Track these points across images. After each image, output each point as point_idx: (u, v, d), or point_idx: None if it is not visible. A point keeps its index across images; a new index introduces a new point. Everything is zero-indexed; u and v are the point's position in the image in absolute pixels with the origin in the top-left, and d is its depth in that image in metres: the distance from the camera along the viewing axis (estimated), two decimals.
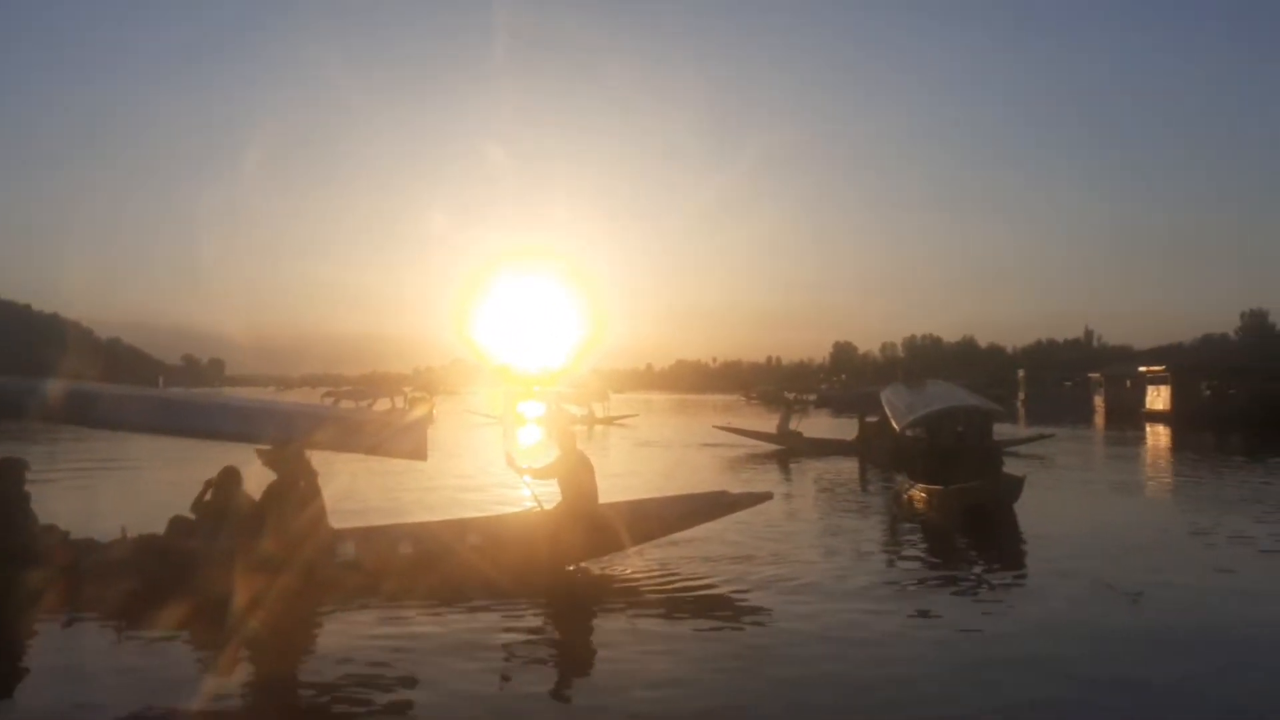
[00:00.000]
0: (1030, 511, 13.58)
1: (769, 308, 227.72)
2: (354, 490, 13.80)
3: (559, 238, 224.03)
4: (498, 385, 74.53)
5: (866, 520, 13.89)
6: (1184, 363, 53.22)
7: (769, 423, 29.95)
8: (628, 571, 9.21)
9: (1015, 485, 13.99)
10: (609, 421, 42.45)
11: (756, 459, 23.75)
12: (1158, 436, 36.86)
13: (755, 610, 8.00)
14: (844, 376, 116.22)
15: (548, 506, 9.36)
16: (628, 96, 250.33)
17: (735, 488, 15.99)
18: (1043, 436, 27.28)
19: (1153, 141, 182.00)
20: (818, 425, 28.64)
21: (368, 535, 8.92)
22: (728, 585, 8.73)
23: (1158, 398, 49.87)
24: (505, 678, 6.33)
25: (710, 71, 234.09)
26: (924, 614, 8.02)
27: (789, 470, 21.14)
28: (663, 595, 8.43)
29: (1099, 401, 61.40)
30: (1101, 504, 16.28)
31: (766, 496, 10.11)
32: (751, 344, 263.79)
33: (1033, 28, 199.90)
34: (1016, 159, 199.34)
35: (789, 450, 25.03)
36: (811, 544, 11.16)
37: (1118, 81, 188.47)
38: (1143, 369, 53.46)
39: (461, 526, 9.26)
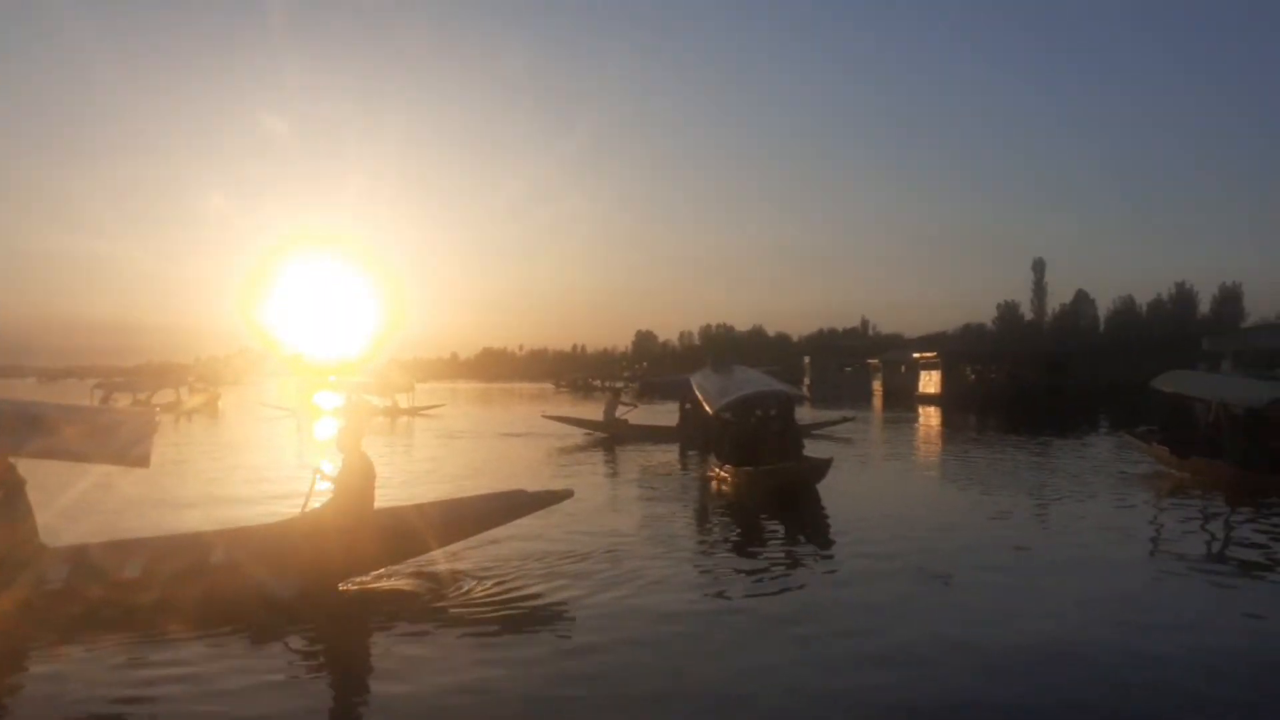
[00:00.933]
0: (835, 492, 14.49)
1: (574, 297, 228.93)
2: (97, 499, 12.45)
3: (354, 220, 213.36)
4: (289, 375, 70.44)
5: (683, 506, 14.26)
6: (952, 349, 58.52)
7: (584, 410, 30.22)
8: (414, 580, 8.44)
9: (822, 466, 14.87)
10: (414, 412, 41.14)
11: (584, 448, 23.68)
12: (930, 417, 40.31)
13: (560, 605, 7.80)
14: (645, 364, 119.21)
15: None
16: (428, 64, 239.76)
17: (559, 478, 16.26)
18: (845, 419, 29.16)
19: (917, 147, 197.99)
20: (640, 413, 29.05)
21: (84, 556, 7.44)
22: (537, 584, 8.42)
23: (930, 382, 54.69)
24: None
25: (521, 48, 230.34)
26: (723, 595, 8.32)
27: (615, 458, 21.26)
28: (454, 602, 7.88)
29: (877, 386, 66.45)
30: (899, 484, 17.60)
31: (566, 494, 9.04)
32: (557, 333, 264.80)
33: (820, 29, 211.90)
34: (804, 160, 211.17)
35: (615, 438, 25.25)
36: (627, 534, 11.18)
37: (891, 87, 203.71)
38: (917, 355, 58.40)
39: (210, 540, 7.96)
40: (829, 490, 14.45)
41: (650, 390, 42.26)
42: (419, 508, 8.90)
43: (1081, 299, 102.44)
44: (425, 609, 7.73)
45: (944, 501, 15.18)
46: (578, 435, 26.80)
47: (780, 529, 12.04)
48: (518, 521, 9.16)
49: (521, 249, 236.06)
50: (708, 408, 17.17)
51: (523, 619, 7.47)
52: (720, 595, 8.34)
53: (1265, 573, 9.31)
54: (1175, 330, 74.96)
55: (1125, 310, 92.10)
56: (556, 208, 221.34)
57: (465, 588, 8.24)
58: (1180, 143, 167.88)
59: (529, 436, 27.34)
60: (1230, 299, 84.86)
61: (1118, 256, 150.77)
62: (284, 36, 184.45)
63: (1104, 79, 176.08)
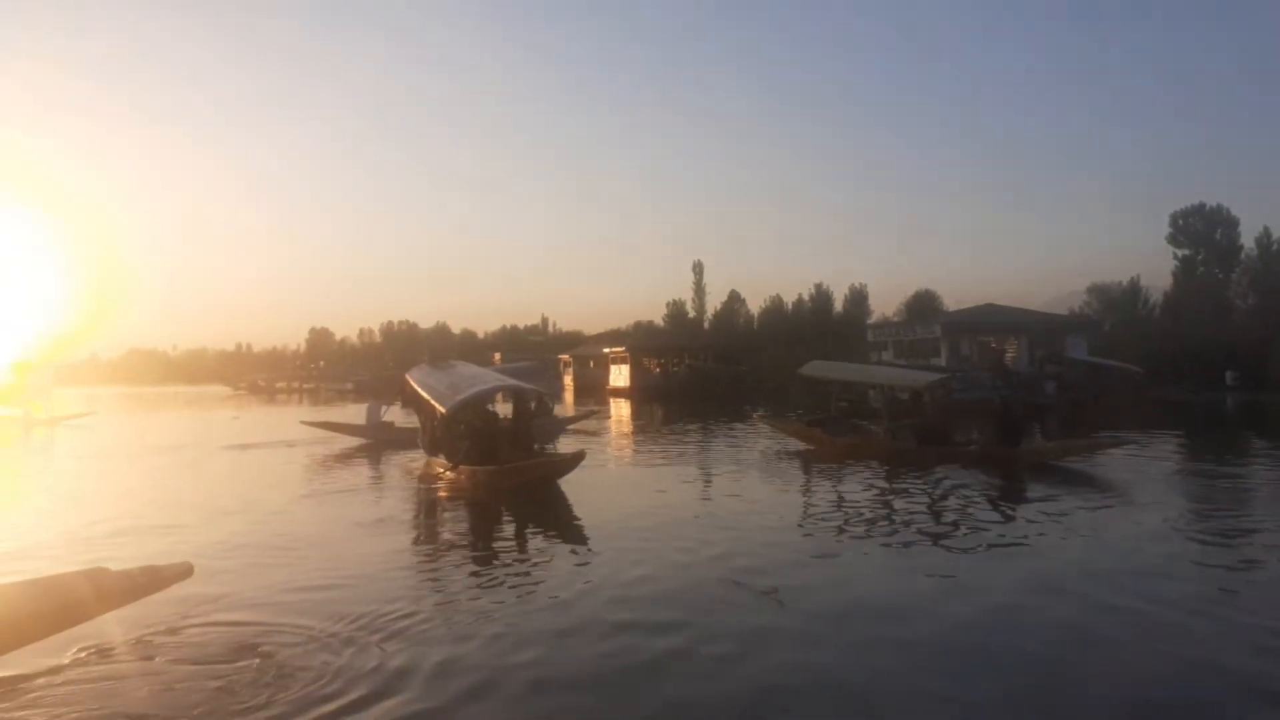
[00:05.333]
0: (579, 487, 14.65)
1: (235, 292, 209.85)
2: None
3: None
4: None
5: (451, 511, 13.63)
6: (639, 344, 61.67)
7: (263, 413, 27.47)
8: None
9: (573, 460, 14.94)
10: (54, 423, 35.31)
11: (346, 454, 21.27)
12: (623, 408, 42.18)
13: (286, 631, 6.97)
14: (322, 363, 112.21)
15: None
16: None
17: (318, 497, 14.37)
18: (593, 413, 29.71)
19: (585, 158, 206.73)
20: (357, 413, 26.91)
21: None
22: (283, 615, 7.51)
23: (620, 375, 57.26)
24: None
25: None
26: (465, 599, 8.05)
27: (380, 463, 19.48)
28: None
29: (568, 380, 68.28)
30: (629, 478, 17.96)
31: (185, 572, 6.05)
32: (217, 330, 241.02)
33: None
34: (479, 160, 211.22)
35: (380, 443, 23.10)
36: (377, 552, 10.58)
37: (572, 99, 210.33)
38: (607, 351, 60.87)
39: None
40: (571, 485, 14.58)
41: (367, 390, 39.80)
42: None
43: (734, 298, 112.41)
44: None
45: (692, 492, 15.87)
46: (332, 444, 23.53)
47: (535, 529, 11.90)
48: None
49: (165, 239, 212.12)
50: (438, 406, 16.54)
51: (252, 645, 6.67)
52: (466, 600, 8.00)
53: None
54: (817, 324, 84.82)
55: (775, 308, 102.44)
56: (217, 197, 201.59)
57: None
58: (822, 156, 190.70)
59: (260, 448, 23.73)
60: (858, 298, 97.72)
61: (762, 259, 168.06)
62: None
63: (756, 101, 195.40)
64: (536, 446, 17.00)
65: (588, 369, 64.24)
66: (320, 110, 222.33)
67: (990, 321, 45.65)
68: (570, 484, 14.66)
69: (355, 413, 31.21)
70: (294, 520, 12.35)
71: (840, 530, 11.12)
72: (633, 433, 28.59)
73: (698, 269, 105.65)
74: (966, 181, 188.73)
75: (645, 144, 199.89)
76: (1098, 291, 74.31)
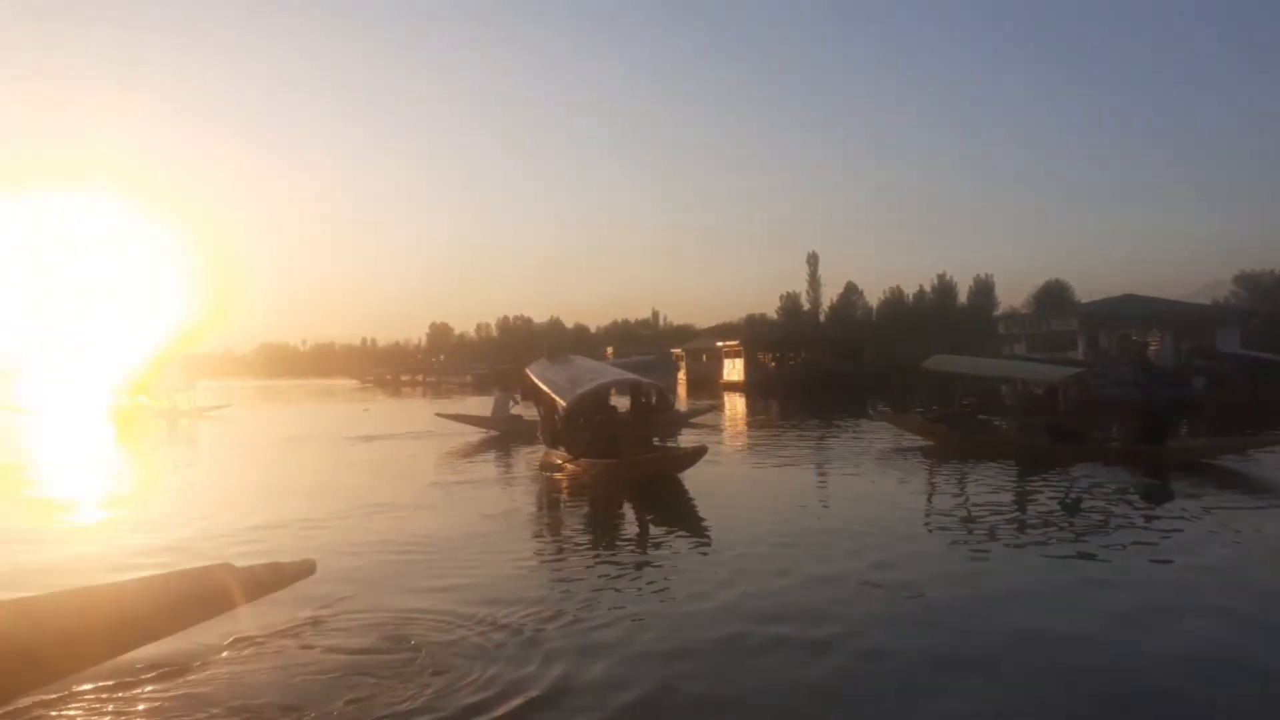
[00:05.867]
0: (701, 482, 14.38)
1: (362, 288, 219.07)
2: None
3: (108, 210, 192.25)
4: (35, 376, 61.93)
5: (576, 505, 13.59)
6: (753, 337, 60.99)
7: (408, 406, 28.21)
8: None
9: (693, 456, 14.69)
10: (198, 414, 37.40)
11: (475, 447, 21.59)
12: (735, 402, 41.70)
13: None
14: (442, 357, 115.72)
15: None
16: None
17: (446, 488, 14.68)
18: (712, 407, 29.59)
19: (694, 151, 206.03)
20: (480, 406, 27.39)
21: None
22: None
23: (734, 369, 56.75)
24: None
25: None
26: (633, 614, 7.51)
27: (507, 456, 19.65)
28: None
29: (681, 375, 68.15)
30: (750, 475, 17.20)
31: (308, 569, 5.42)
32: (343, 326, 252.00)
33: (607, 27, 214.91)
34: (587, 157, 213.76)
35: (506, 435, 23.38)
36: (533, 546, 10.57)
37: (671, 85, 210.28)
38: (720, 344, 60.40)
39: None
40: (692, 480, 14.33)
41: (485, 383, 40.50)
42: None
43: (851, 289, 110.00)
44: None
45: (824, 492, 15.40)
46: (460, 436, 23.98)
47: (663, 527, 11.63)
48: None
49: (300, 240, 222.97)
50: (558, 400, 16.60)
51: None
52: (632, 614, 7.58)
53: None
54: (941, 317, 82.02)
55: (895, 300, 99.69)
56: (337, 198, 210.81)
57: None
58: (950, 146, 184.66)
59: (391, 439, 24.39)
60: (984, 289, 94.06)
61: (879, 250, 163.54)
62: None
63: (870, 91, 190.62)
64: (656, 441, 16.89)
65: (700, 363, 63.89)
66: (443, 110, 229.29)
67: (1130, 313, 42.98)
68: (691, 479, 14.40)
69: (477, 405, 31.89)
70: (423, 513, 12.43)
71: (971, 528, 10.61)
72: (750, 428, 28.18)
73: (812, 260, 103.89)
74: (1096, 167, 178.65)
75: (756, 134, 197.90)
76: (1246, 281, 69.22)
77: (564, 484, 15.09)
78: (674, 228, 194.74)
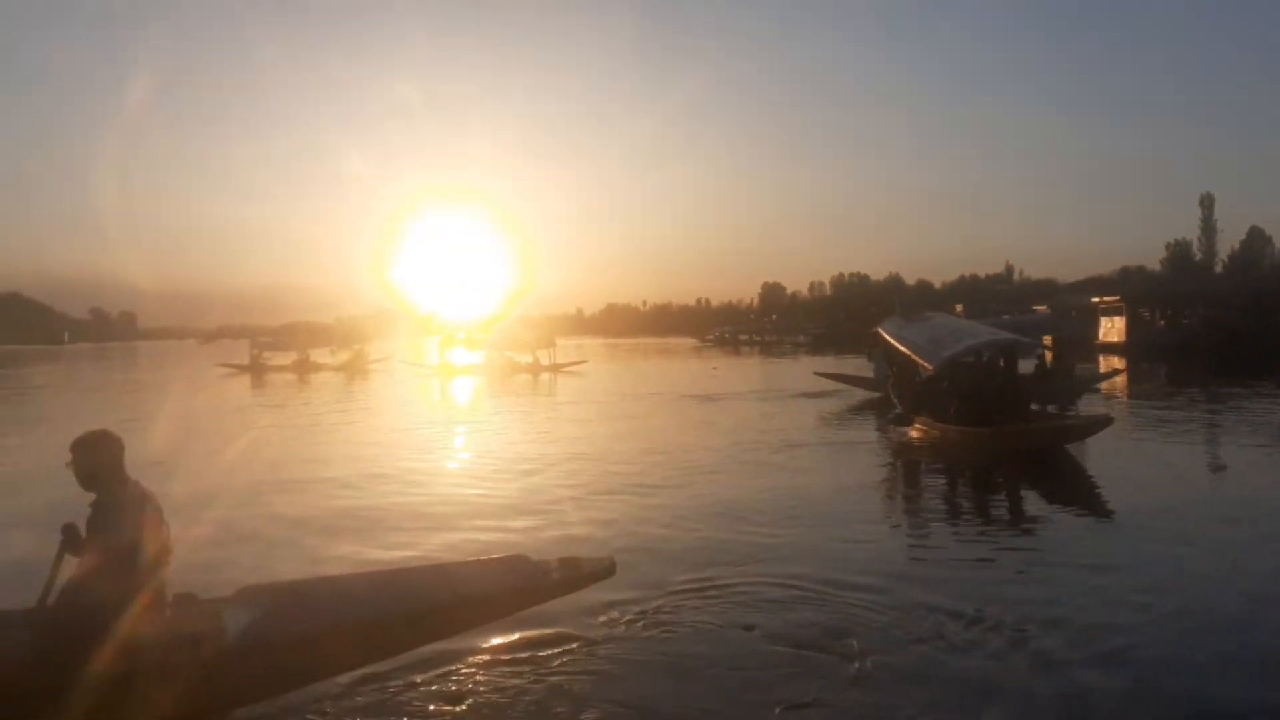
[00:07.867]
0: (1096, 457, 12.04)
1: (695, 249, 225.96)
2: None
3: (481, 181, 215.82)
4: (423, 334, 70.76)
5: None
6: (1137, 293, 53.13)
7: (738, 364, 27.80)
8: None
9: (1091, 426, 12.58)
10: (557, 369, 40.10)
11: (854, 410, 20.49)
12: (1116, 366, 36.30)
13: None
14: (775, 316, 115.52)
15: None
16: (547, 27, 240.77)
17: (827, 446, 14.18)
18: (1117, 372, 26.52)
19: (1068, 85, 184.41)
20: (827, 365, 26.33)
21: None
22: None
23: (1111, 329, 49.75)
24: None
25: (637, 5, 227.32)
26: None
27: (880, 418, 18.55)
28: None
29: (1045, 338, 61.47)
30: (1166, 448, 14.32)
31: (607, 570, 4.82)
32: (679, 286, 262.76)
33: None
34: (936, 99, 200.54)
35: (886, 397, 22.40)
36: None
37: (1037, 12, 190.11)
38: (1095, 300, 53.22)
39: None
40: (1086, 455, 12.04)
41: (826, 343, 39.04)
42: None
43: (1256, 235, 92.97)
44: None
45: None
46: (834, 396, 23.28)
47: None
48: None
49: (646, 203, 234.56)
50: (922, 362, 14.75)
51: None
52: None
53: None
54: None
55: None
56: (676, 161, 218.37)
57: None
58: None
59: (733, 399, 24.16)
60: None
61: None
62: (410, 14, 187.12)
63: None
64: (1035, 408, 14.50)
65: (1068, 321, 56.95)
66: (772, 73, 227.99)
67: None
68: (1084, 453, 12.15)
69: (810, 365, 30.84)
70: (792, 476, 11.78)
71: None
72: (1143, 396, 24.12)
73: (1206, 202, 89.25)
74: None
75: (1131, 56, 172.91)
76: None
77: (932, 453, 13.65)
78: (1033, 169, 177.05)
